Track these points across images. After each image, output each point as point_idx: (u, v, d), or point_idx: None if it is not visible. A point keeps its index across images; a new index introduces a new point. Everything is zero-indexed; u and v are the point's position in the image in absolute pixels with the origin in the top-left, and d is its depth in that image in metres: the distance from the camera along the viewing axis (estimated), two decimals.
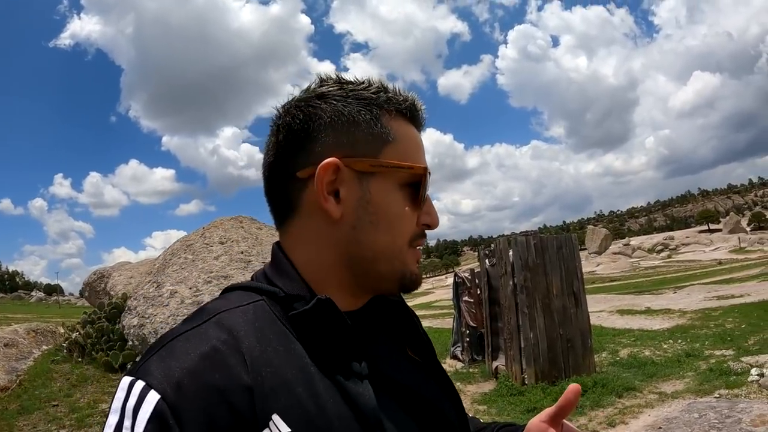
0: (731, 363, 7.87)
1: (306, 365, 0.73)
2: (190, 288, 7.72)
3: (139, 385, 0.67)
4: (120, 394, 0.68)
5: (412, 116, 0.89)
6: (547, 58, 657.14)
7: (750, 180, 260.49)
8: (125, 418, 0.65)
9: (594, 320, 15.59)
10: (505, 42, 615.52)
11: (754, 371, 7.18)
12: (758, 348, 8.79)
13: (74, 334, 10.44)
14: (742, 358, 8.05)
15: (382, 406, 0.75)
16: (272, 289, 0.81)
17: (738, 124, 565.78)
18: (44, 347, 11.49)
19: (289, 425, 0.67)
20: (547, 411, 0.95)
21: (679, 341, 10.62)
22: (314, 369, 0.73)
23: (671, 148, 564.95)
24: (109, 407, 0.68)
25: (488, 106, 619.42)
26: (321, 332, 0.76)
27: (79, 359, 9.66)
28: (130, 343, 7.35)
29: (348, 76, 0.88)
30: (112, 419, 0.67)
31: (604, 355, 10.12)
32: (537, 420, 0.95)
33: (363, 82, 0.86)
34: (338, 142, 0.81)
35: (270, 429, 0.67)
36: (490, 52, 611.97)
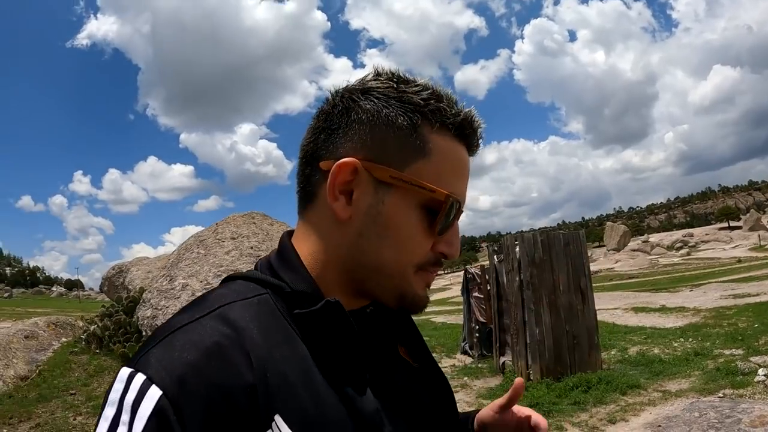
0: (739, 362, 7.80)
1: (309, 367, 0.71)
2: (201, 281, 7.89)
3: (140, 378, 0.63)
4: (118, 386, 0.64)
5: (462, 134, 0.81)
6: (564, 53, 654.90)
7: None
8: (123, 412, 0.62)
9: (608, 317, 15.59)
10: (522, 37, 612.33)
11: (761, 371, 7.12)
12: None
13: (92, 327, 10.65)
14: (751, 358, 7.98)
15: (381, 410, 0.74)
16: (278, 283, 0.78)
17: (758, 119, 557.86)
18: (63, 339, 11.73)
19: (290, 426, 0.65)
20: (497, 402, 1.03)
21: (690, 340, 10.54)
22: (317, 371, 0.71)
23: (690, 143, 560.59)
24: (105, 398, 0.64)
25: (505, 102, 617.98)
26: (326, 334, 0.74)
27: (97, 351, 9.87)
28: (144, 333, 7.53)
29: (406, 74, 0.82)
30: (109, 411, 0.63)
31: (613, 352, 10.07)
32: (488, 410, 1.04)
33: (417, 85, 0.80)
34: (366, 143, 0.78)
35: (272, 430, 0.65)
36: (507, 46, 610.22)
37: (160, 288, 8.58)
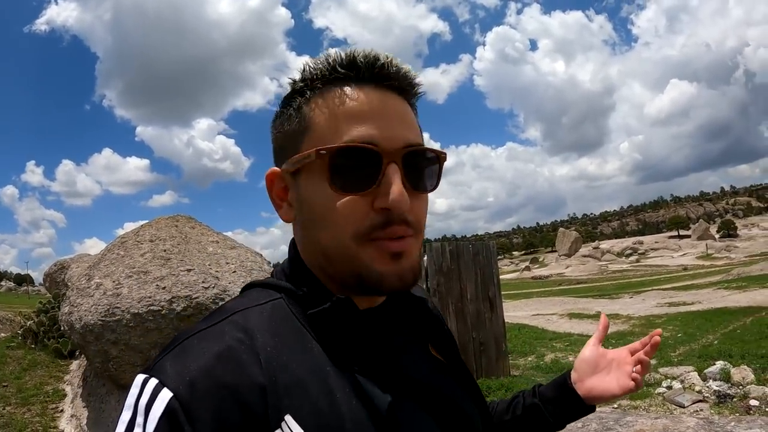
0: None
1: (322, 365, 0.72)
2: (114, 281, 8.06)
3: (152, 382, 0.66)
4: (134, 391, 0.67)
5: (337, 79, 0.78)
6: (525, 61, 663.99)
7: (722, 188, 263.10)
8: (138, 415, 0.64)
9: (542, 323, 15.76)
10: (484, 43, 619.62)
11: (664, 383, 7.21)
12: (681, 359, 8.82)
13: (29, 322, 11.00)
14: (660, 369, 8.05)
15: (399, 406, 0.73)
16: (290, 287, 0.80)
17: (712, 133, 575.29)
18: (2, 334, 12.28)
19: (302, 426, 0.66)
20: (595, 336, 1.19)
21: (610, 348, 10.59)
22: (331, 368, 0.72)
23: (645, 154, 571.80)
24: (123, 404, 0.67)
25: (465, 107, 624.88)
26: (339, 332, 0.75)
27: (32, 345, 10.22)
28: (63, 329, 7.92)
29: (298, 69, 0.82)
30: (125, 416, 0.66)
31: (530, 358, 10.16)
32: (588, 345, 1.18)
33: (302, 69, 0.81)
34: (277, 152, 0.83)
35: (282, 429, 0.65)
36: (469, 52, 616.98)
37: (79, 286, 8.80)
